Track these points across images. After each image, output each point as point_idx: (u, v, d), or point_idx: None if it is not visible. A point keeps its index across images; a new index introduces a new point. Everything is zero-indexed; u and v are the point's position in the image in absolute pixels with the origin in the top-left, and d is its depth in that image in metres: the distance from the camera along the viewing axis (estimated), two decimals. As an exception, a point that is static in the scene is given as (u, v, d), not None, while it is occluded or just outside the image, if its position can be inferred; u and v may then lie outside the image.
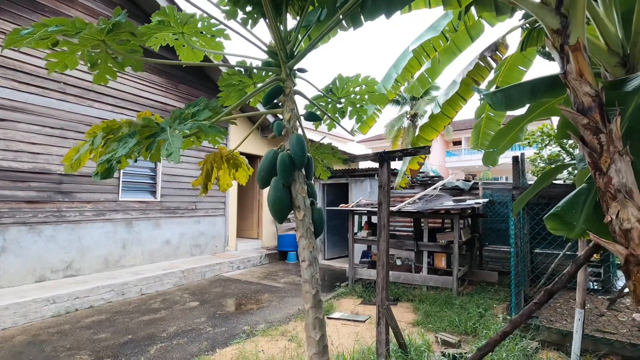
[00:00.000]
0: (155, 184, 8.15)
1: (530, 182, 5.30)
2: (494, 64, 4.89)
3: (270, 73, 2.46)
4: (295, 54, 2.30)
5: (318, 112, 2.61)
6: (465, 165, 25.42)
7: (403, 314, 5.34)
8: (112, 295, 6.15)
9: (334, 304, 5.97)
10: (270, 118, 9.31)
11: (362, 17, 3.14)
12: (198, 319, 5.32)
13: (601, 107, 1.63)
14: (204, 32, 2.38)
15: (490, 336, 4.18)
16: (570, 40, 1.68)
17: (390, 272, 6.89)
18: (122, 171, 7.32)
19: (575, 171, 4.43)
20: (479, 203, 6.30)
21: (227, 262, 8.63)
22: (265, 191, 11.25)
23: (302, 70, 2.39)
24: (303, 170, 2.20)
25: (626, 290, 5.49)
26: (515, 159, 4.87)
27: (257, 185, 9.70)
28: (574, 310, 5.29)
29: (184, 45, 2.43)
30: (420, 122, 5.93)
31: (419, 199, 7.20)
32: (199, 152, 8.91)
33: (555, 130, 6.95)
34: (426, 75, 5.78)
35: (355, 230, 7.53)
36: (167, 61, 2.14)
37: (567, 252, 5.63)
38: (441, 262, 6.68)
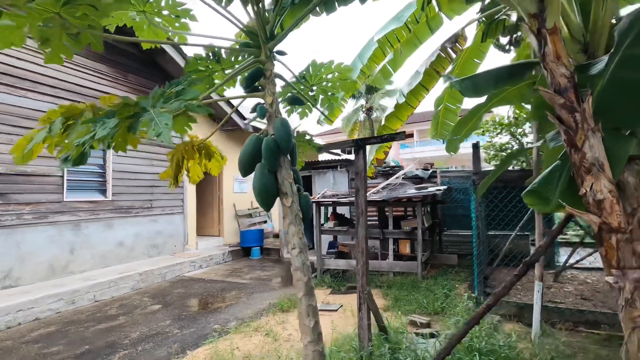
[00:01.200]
0: (105, 182, 7.52)
1: (484, 169, 5.63)
2: (454, 55, 5.10)
3: (247, 56, 2.34)
4: (275, 34, 2.20)
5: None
6: (417, 157, 26.56)
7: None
8: (61, 305, 5.60)
9: (305, 296, 5.94)
10: (231, 111, 8.98)
11: (335, 2, 3.11)
12: (162, 322, 5.02)
13: (575, 88, 1.75)
14: (168, 12, 2.21)
15: (458, 313, 4.41)
16: (547, 23, 1.77)
17: (358, 261, 7.01)
18: (66, 169, 6.65)
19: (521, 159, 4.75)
20: (440, 190, 6.60)
21: (188, 261, 8.24)
22: (227, 186, 10.88)
23: (281, 53, 2.30)
24: (288, 156, 2.13)
25: (570, 262, 6.08)
26: (474, 145, 5.15)
27: (218, 180, 9.47)
28: (526, 285, 5.76)
29: (145, 27, 2.24)
30: (386, 111, 6.09)
31: (383, 188, 7.38)
32: (152, 147, 8.37)
33: (507, 120, 7.48)
34: (389, 67, 5.89)
35: (322, 221, 7.55)
36: (132, 39, 1.95)
37: (518, 233, 6.09)
38: (406, 248, 6.92)
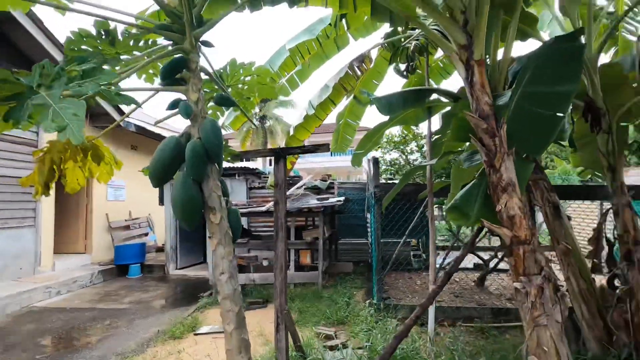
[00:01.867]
0: None
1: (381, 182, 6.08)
2: (360, 74, 5.40)
3: (172, 45, 1.95)
4: (203, 20, 1.89)
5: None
6: (309, 167, 27.53)
7: (277, 315, 5.26)
8: None
9: (200, 318, 5.36)
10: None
11: (262, 1, 2.90)
12: (3, 373, 3.81)
13: (496, 115, 1.96)
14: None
15: (361, 322, 4.58)
16: (475, 55, 1.96)
17: (258, 275, 6.71)
18: None
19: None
20: (340, 201, 6.87)
21: (42, 287, 6.58)
22: (98, 193, 9.17)
23: (207, 44, 1.99)
24: (216, 165, 1.83)
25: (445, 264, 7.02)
26: (375, 161, 5.52)
27: (86, 186, 7.79)
28: (414, 288, 6.42)
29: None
30: (295, 122, 6.10)
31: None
32: (-8, 141, 6.47)
33: (398, 139, 8.33)
34: (296, 78, 5.89)
35: (219, 233, 6.99)
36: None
37: (407, 240, 6.78)
38: (306, 259, 6.94)
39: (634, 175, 7.29)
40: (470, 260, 7.05)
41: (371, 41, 7.72)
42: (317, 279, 6.39)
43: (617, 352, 2.93)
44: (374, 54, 5.56)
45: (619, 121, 2.95)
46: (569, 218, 3.53)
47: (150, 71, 2.26)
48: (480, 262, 6.66)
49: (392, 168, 7.76)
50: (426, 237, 8.23)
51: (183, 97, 1.86)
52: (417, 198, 4.75)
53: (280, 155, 2.99)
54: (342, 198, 7.30)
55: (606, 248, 3.60)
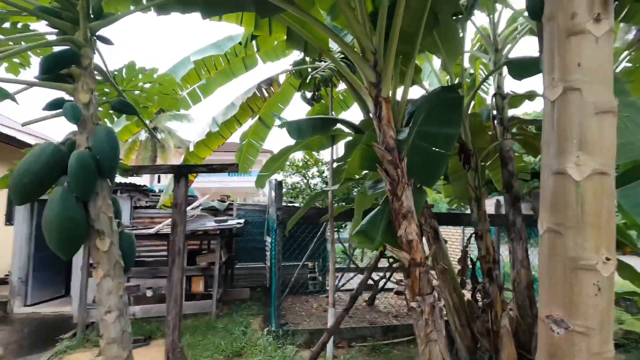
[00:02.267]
0: None
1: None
2: (267, 96, 5.41)
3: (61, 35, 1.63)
4: (103, 12, 1.65)
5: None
6: (205, 187, 25.97)
7: (161, 353, 4.63)
8: None
9: (58, 366, 4.36)
10: None
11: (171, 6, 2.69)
12: None
13: (399, 148, 2.17)
14: None
15: (259, 352, 4.36)
16: (383, 93, 2.15)
17: (139, 307, 5.87)
18: None
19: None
20: (240, 223, 6.60)
21: None
22: None
23: (106, 41, 1.74)
24: (109, 180, 1.56)
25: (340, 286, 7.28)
26: (279, 183, 5.51)
27: None
28: (311, 311, 6.46)
29: None
30: (196, 137, 5.62)
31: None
32: None
33: (301, 163, 8.51)
34: (198, 91, 5.62)
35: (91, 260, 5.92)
36: None
37: (304, 263, 6.85)
38: (199, 286, 6.39)
39: (487, 205, 8.96)
40: (362, 281, 7.48)
41: (279, 66, 7.89)
42: (211, 308, 5.91)
43: (481, 357, 3.43)
44: (282, 78, 5.69)
45: (482, 161, 3.59)
46: (445, 241, 4.09)
47: (16, 60, 1.84)
48: (371, 282, 7.15)
49: (293, 191, 7.88)
50: (323, 260, 8.50)
51: (68, 97, 1.55)
52: (319, 222, 4.89)
53: (182, 173, 2.72)
54: (241, 220, 7.03)
55: (470, 266, 4.26)
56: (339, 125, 4.17)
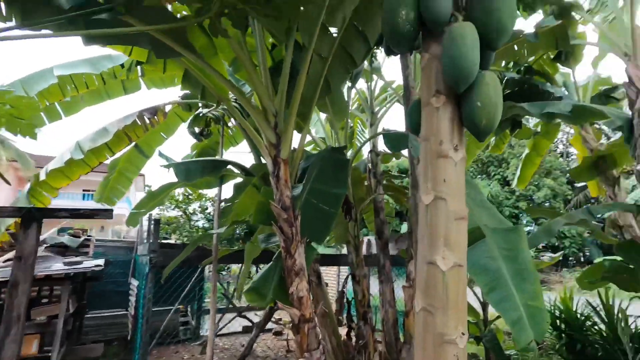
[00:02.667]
0: None
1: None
2: (149, 124, 4.95)
3: None
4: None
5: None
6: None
7: None
8: None
9: None
10: None
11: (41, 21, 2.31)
12: None
13: (294, 207, 2.28)
14: None
15: None
16: (282, 154, 2.26)
17: None
18: None
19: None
20: (99, 266, 5.61)
21: None
22: None
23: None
24: None
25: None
26: (156, 221, 4.98)
27: None
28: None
29: None
30: (49, 164, 4.58)
31: (7, 260, 5.28)
32: None
33: (181, 197, 7.85)
34: (59, 109, 4.84)
35: None
36: None
37: (177, 308, 6.20)
38: (31, 348, 5.06)
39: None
40: (240, 324, 7.17)
41: (167, 93, 7.36)
42: (47, 375, 4.73)
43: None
44: (169, 106, 5.33)
45: (361, 212, 4.03)
46: (326, 284, 4.35)
47: None
48: (250, 324, 6.92)
49: (169, 227, 7.20)
50: (199, 302, 7.85)
51: None
52: (202, 264, 4.57)
53: (34, 218, 2.23)
54: (101, 261, 6.00)
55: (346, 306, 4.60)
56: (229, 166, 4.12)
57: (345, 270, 7.98)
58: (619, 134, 4.30)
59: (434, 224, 1.15)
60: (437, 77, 1.19)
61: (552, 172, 15.71)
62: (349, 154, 4.81)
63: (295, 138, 2.78)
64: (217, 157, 4.38)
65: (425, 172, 1.20)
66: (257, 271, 6.62)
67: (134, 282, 6.52)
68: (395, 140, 2.90)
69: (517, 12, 3.78)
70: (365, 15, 2.74)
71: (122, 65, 4.38)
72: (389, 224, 6.53)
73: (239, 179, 4.66)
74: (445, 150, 1.15)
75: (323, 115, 5.66)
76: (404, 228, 13.20)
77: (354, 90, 5.00)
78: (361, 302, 3.67)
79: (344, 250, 6.71)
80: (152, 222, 5.00)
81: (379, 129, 5.53)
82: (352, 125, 6.64)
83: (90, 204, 18.02)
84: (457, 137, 1.17)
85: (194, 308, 7.77)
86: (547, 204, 15.64)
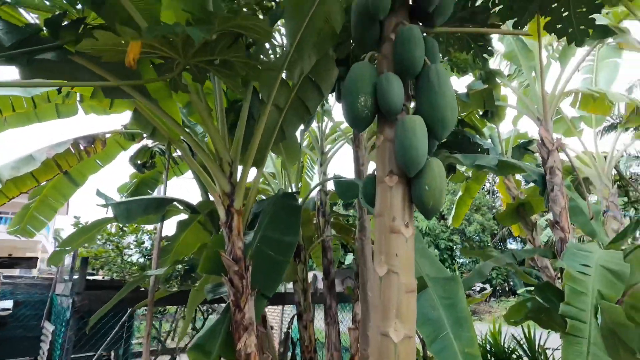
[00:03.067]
0: None
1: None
2: (85, 155, 4.58)
3: None
4: None
5: None
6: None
7: None
8: None
9: None
10: None
11: None
12: None
13: (245, 259, 2.24)
14: None
15: None
16: (236, 204, 2.24)
17: None
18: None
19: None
20: (6, 310, 4.87)
21: None
22: None
23: None
24: None
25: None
26: (84, 260, 4.49)
27: None
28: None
29: None
30: None
31: None
32: None
33: (114, 229, 7.18)
34: (-27, 128, 4.34)
35: None
36: None
37: (100, 355, 5.51)
38: None
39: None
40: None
41: (108, 120, 6.88)
42: None
43: None
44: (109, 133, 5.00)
45: (310, 253, 4.06)
46: (272, 327, 4.22)
47: None
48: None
49: (98, 261, 6.52)
50: (125, 343, 7.07)
51: None
52: (136, 307, 4.18)
53: None
54: (8, 304, 5.22)
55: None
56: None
57: (289, 307, 7.82)
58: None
59: (386, 296, 1.23)
60: (390, 158, 1.31)
61: (480, 209, 17.27)
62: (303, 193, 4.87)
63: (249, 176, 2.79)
64: (161, 195, 4.17)
65: (379, 245, 1.28)
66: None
67: (49, 327, 5.70)
68: (346, 189, 3.02)
69: (452, 73, 4.28)
70: (320, 69, 2.90)
71: (59, 91, 4.08)
72: (336, 255, 6.63)
73: (183, 215, 4.46)
74: (398, 227, 1.25)
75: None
76: (349, 259, 13.40)
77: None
78: (307, 347, 3.61)
79: (289, 285, 6.62)
80: (77, 259, 4.51)
81: (328, 168, 5.72)
82: (302, 160, 6.77)
83: (2, 230, 15.73)
84: (408, 215, 1.28)
85: (118, 353, 6.97)
86: (477, 237, 17.03)
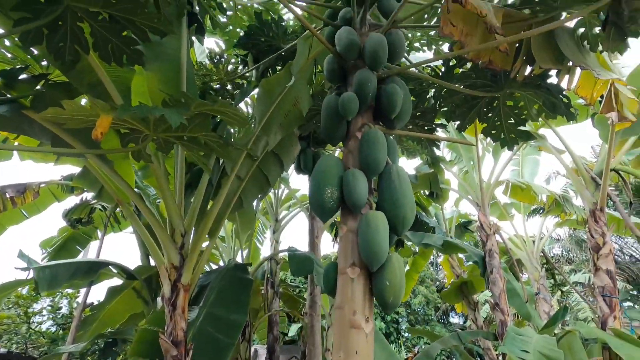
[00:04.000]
0: None
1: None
2: (10, 205, 4.09)
3: None
4: None
5: None
6: None
7: None
8: None
9: None
10: None
11: None
12: None
13: (186, 339, 2.02)
14: None
15: None
16: (184, 279, 2.08)
17: None
18: None
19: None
20: None
21: None
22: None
23: None
24: None
25: None
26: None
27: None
28: None
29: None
30: None
31: None
32: None
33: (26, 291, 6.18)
34: None
35: None
36: None
37: None
38: None
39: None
40: None
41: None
42: None
43: None
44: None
45: (255, 329, 3.78)
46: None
47: None
48: None
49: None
50: None
51: None
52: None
53: None
54: None
55: None
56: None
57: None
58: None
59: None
60: (353, 250, 1.34)
61: (425, 281, 17.64)
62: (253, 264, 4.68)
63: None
64: (93, 259, 3.78)
65: (338, 341, 1.25)
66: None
67: None
68: (300, 264, 2.96)
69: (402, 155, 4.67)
70: (284, 144, 3.02)
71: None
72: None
73: (117, 280, 4.02)
74: (358, 321, 1.24)
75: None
76: (293, 330, 12.60)
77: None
78: None
79: None
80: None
81: (281, 235, 5.63)
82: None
83: None
84: (368, 308, 1.28)
85: None
86: (421, 311, 17.11)
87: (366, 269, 1.31)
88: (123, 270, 3.66)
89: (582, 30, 2.06)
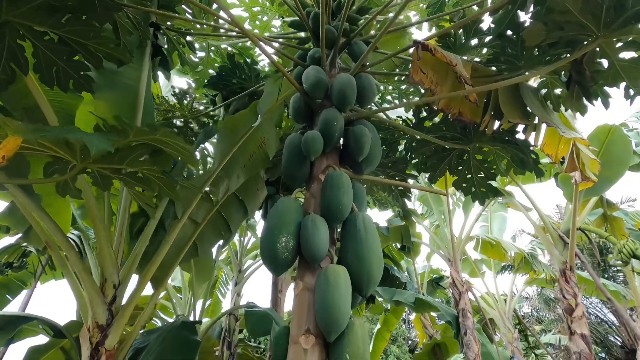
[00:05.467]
0: None
1: None
2: None
3: None
4: None
5: None
6: None
7: None
8: None
9: None
10: None
11: None
12: None
13: None
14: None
15: None
16: (108, 343, 1.72)
17: None
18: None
19: None
20: None
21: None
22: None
23: None
24: None
25: None
26: None
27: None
28: None
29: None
30: None
31: None
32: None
33: None
34: None
35: None
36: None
37: None
38: None
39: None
40: None
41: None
42: None
43: None
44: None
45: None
46: None
47: None
48: None
49: None
50: None
51: None
52: None
53: None
54: None
55: None
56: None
57: None
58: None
59: None
60: (309, 313, 1.11)
61: (397, 339, 16.83)
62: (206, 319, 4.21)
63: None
64: (16, 312, 3.25)
65: None
66: None
67: None
68: (257, 322, 2.61)
69: (374, 207, 4.57)
70: (248, 188, 2.82)
71: None
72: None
73: (43, 338, 3.43)
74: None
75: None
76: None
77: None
78: None
79: None
80: None
81: (244, 288, 5.19)
82: (216, 275, 6.13)
83: None
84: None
85: None
86: (393, 372, 16.08)
87: (323, 338, 1.08)
88: (50, 327, 3.12)
89: (544, 90, 2.12)
